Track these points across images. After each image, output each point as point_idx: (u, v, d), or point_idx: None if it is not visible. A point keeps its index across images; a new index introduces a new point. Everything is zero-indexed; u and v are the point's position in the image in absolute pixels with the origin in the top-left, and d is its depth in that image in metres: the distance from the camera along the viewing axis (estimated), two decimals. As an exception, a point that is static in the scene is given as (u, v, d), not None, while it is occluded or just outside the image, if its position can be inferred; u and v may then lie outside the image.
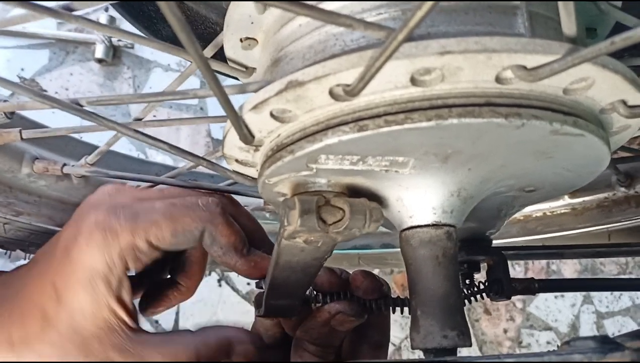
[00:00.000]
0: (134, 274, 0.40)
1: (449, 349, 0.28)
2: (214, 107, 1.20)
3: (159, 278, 0.42)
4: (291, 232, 0.28)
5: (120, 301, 0.35)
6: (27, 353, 0.35)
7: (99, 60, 1.17)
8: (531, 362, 0.24)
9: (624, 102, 0.26)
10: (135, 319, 0.36)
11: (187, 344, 0.37)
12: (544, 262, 1.21)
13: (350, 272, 0.41)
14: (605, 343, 0.24)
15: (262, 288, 0.38)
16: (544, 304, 1.20)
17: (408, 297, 0.38)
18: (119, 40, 1.17)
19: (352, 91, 0.23)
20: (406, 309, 0.39)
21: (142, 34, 0.30)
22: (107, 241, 0.34)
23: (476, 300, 0.42)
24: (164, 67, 1.21)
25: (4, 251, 0.48)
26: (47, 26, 1.21)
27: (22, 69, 1.17)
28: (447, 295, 0.29)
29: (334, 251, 0.75)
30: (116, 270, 0.34)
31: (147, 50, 1.21)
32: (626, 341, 0.24)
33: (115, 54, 1.19)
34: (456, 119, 0.23)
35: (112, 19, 1.17)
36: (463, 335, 0.29)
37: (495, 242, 0.43)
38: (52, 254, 0.36)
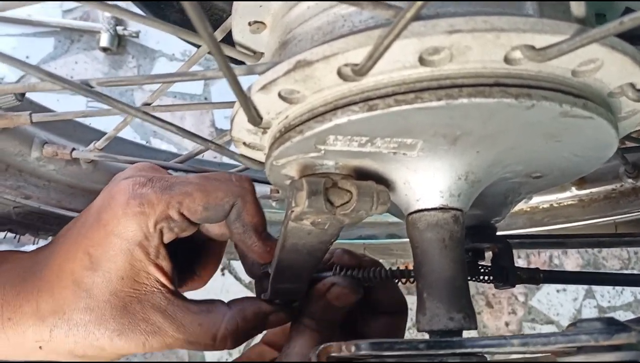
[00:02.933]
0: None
1: (454, 331, 0.28)
2: (218, 96, 1.20)
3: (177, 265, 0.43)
4: (299, 213, 0.28)
5: (159, 267, 0.35)
6: (60, 323, 0.35)
7: (104, 49, 1.17)
8: (538, 342, 0.24)
9: (632, 86, 0.26)
10: (174, 284, 0.37)
11: (226, 316, 0.37)
12: (546, 256, 1.21)
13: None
14: (612, 324, 0.24)
15: (268, 272, 0.39)
16: (546, 298, 1.20)
17: (406, 266, 0.38)
18: (124, 30, 1.17)
19: (360, 70, 0.23)
20: (401, 279, 0.40)
21: (153, 19, 0.30)
22: (144, 210, 0.34)
23: (481, 280, 0.42)
24: (169, 57, 1.22)
25: (13, 235, 0.49)
26: (52, 14, 1.21)
27: (27, 57, 1.17)
28: (453, 278, 0.29)
29: (340, 241, 0.75)
30: (153, 239, 0.35)
31: (152, 40, 1.21)
32: (633, 325, 0.24)
33: (120, 43, 1.19)
34: (466, 98, 0.23)
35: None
36: (469, 317, 0.29)
37: (500, 233, 0.43)
38: (83, 225, 0.36)
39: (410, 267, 0.36)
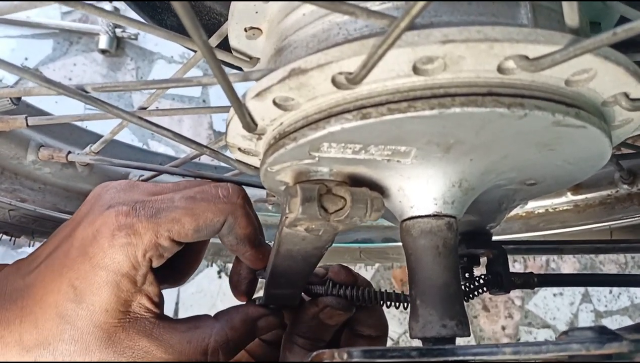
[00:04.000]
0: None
1: (447, 338, 0.29)
2: (216, 99, 1.20)
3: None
4: (293, 219, 0.28)
5: (146, 294, 0.35)
6: (44, 353, 0.34)
7: (103, 51, 1.17)
8: (530, 351, 0.24)
9: (626, 95, 0.26)
10: (160, 307, 0.36)
11: (214, 329, 0.37)
12: (543, 260, 1.21)
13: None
14: (604, 333, 0.24)
15: (262, 277, 0.39)
16: (543, 302, 1.20)
17: (402, 291, 0.39)
18: (123, 32, 1.17)
19: (354, 79, 0.23)
20: (396, 303, 0.40)
21: (147, 22, 0.30)
22: (131, 242, 0.34)
23: (476, 295, 0.42)
24: (167, 59, 1.22)
25: (8, 238, 0.49)
26: (51, 16, 1.21)
27: (26, 58, 1.17)
28: (447, 285, 0.29)
29: (336, 244, 0.75)
30: (141, 269, 0.34)
31: (151, 42, 1.21)
32: (625, 333, 0.24)
33: (118, 45, 1.19)
34: (459, 107, 0.23)
35: (115, 10, 1.17)
36: (462, 324, 0.29)
37: (496, 238, 0.43)
38: (67, 254, 0.36)
39: (398, 280, 0.36)
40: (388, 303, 0.40)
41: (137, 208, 0.34)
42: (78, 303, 0.34)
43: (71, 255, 0.35)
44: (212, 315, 0.38)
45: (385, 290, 0.40)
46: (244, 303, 0.41)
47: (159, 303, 0.36)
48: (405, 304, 0.39)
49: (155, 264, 0.35)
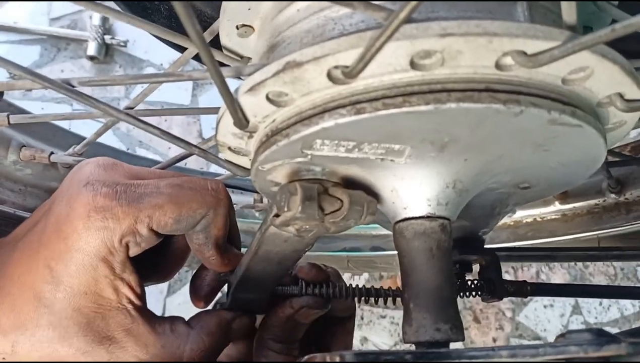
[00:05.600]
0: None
1: (441, 342, 0.28)
2: (206, 105, 1.19)
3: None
4: (289, 218, 0.28)
5: (125, 282, 0.34)
6: (23, 339, 0.33)
7: (91, 58, 1.16)
8: (527, 353, 0.24)
9: (621, 96, 0.26)
10: (142, 299, 0.35)
11: (190, 336, 0.35)
12: (533, 271, 1.21)
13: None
14: (601, 335, 0.24)
15: (227, 280, 0.38)
16: (534, 314, 1.20)
17: (381, 286, 0.38)
18: (112, 39, 1.16)
19: (350, 73, 0.22)
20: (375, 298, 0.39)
21: (140, 20, 0.29)
22: (107, 226, 0.32)
23: (468, 296, 0.42)
24: (157, 66, 1.21)
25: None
26: (38, 22, 1.20)
27: (12, 64, 1.15)
28: (441, 288, 0.29)
29: (323, 253, 0.74)
30: (118, 255, 0.33)
31: (140, 49, 1.20)
32: (622, 337, 0.24)
33: (107, 52, 1.18)
34: (455, 103, 0.22)
35: (104, 17, 1.16)
36: (456, 328, 0.28)
37: (488, 246, 0.43)
38: (42, 232, 0.34)
39: (386, 286, 0.36)
40: (366, 298, 0.39)
41: (119, 191, 0.33)
42: (55, 285, 0.33)
43: (47, 233, 0.34)
44: (186, 320, 0.37)
45: (364, 285, 0.39)
46: (210, 309, 0.39)
47: (141, 294, 0.35)
48: (385, 298, 0.38)
49: (132, 252, 0.34)
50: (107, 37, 1.16)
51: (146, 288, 0.36)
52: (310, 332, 0.41)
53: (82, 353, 0.33)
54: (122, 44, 1.17)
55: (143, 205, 0.33)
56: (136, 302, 0.34)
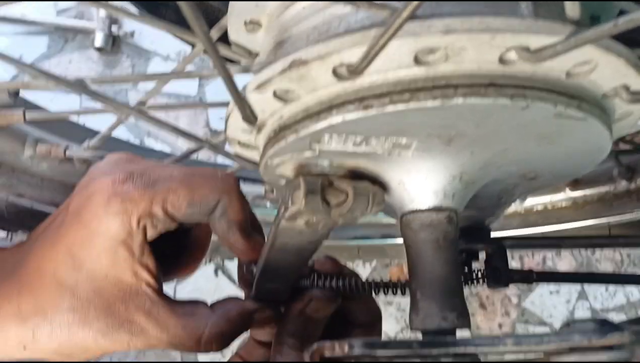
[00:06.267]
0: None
1: (448, 330, 0.29)
2: (213, 96, 1.20)
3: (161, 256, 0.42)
4: (294, 212, 0.28)
5: (144, 265, 0.35)
6: (43, 324, 0.34)
7: (98, 49, 1.17)
8: (531, 342, 0.24)
9: (626, 87, 0.26)
10: (160, 284, 0.36)
11: (210, 319, 0.36)
12: (539, 258, 1.21)
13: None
14: (605, 324, 0.24)
15: (252, 271, 0.38)
16: (539, 299, 1.20)
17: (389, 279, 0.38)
18: (119, 29, 1.17)
19: (355, 70, 0.23)
20: (384, 289, 0.39)
21: (149, 17, 0.30)
22: (126, 209, 0.33)
23: (474, 284, 0.42)
24: (163, 57, 1.21)
25: (6, 234, 0.48)
26: (46, 13, 1.20)
27: (21, 56, 1.16)
28: (447, 278, 0.29)
29: (334, 242, 0.75)
30: (137, 237, 0.34)
31: (147, 40, 1.21)
32: (626, 325, 0.24)
33: (114, 43, 1.19)
34: (462, 98, 0.23)
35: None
36: (462, 316, 0.29)
37: (494, 234, 0.43)
38: (61, 224, 0.35)
39: (395, 278, 0.36)
40: (376, 290, 0.40)
41: (134, 176, 0.34)
42: (77, 270, 0.34)
43: (66, 223, 0.35)
44: (209, 304, 0.38)
45: (373, 279, 0.40)
46: (236, 297, 0.40)
47: (158, 278, 0.36)
48: (394, 290, 0.39)
49: (149, 236, 0.35)
50: (114, 28, 1.16)
51: None
52: (334, 337, 0.41)
53: (101, 335, 0.34)
54: (129, 34, 1.17)
55: (158, 189, 0.34)
56: (154, 284, 0.35)
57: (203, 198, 0.35)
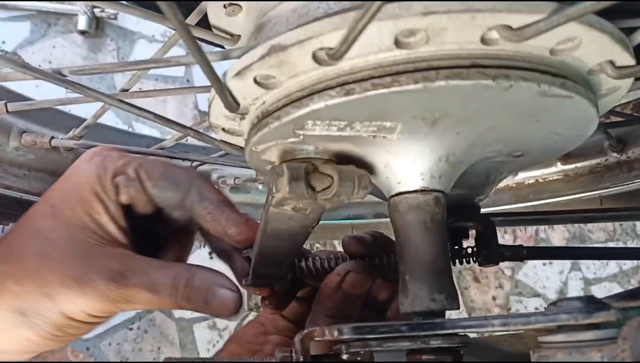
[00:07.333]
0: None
1: (437, 312, 0.29)
2: (200, 78, 1.18)
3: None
4: (280, 199, 0.28)
5: (118, 224, 0.36)
6: (10, 270, 0.33)
7: (82, 32, 1.14)
8: (518, 322, 0.25)
9: (612, 63, 0.26)
10: (130, 248, 0.37)
11: (192, 270, 0.36)
12: (532, 230, 1.22)
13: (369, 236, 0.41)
14: (592, 303, 0.24)
15: (249, 257, 0.38)
16: (532, 271, 1.21)
17: None
18: (102, 12, 1.14)
19: (335, 54, 0.22)
20: None
21: (123, 2, 0.29)
22: (105, 163, 0.37)
23: (466, 262, 0.42)
24: (149, 38, 1.19)
25: (-3, 225, 0.48)
26: (27, -3, 1.18)
27: (3, 42, 1.14)
28: (435, 259, 0.29)
29: (328, 221, 0.74)
30: (109, 193, 0.36)
31: (131, 21, 1.19)
32: (613, 302, 0.25)
33: (98, 26, 1.16)
34: (444, 81, 0.22)
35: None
36: (451, 298, 0.29)
37: (485, 210, 0.43)
38: (47, 193, 0.37)
39: None
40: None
41: (119, 149, 0.39)
42: (55, 218, 0.35)
43: (52, 188, 0.37)
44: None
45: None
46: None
47: (131, 244, 0.37)
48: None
49: (123, 198, 0.36)
50: (97, 11, 1.14)
51: None
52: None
53: (75, 282, 0.33)
54: (112, 16, 1.15)
55: (136, 157, 0.38)
56: (128, 244, 0.36)
57: (176, 173, 0.37)
